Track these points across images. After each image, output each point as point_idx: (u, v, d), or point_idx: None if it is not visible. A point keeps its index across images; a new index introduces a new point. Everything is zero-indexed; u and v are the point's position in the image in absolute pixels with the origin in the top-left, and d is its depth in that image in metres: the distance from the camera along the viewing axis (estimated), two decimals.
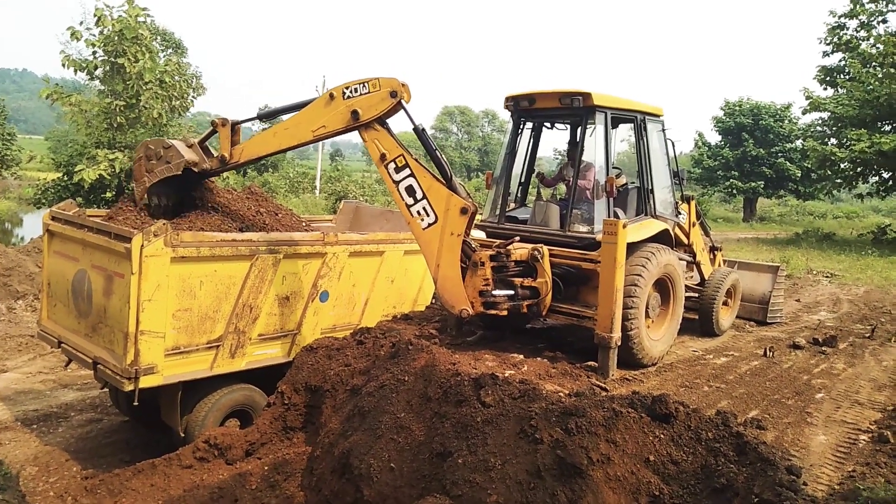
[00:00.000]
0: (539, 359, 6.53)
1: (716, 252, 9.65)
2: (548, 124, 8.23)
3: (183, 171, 5.85)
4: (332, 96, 5.61)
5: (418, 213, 5.64)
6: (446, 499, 3.71)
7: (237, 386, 5.80)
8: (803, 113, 31.36)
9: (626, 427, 3.82)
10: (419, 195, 5.62)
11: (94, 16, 14.44)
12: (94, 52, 14.87)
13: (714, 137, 42.74)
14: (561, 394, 4.64)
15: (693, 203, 8.71)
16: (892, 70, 24.65)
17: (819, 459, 5.01)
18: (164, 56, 22.18)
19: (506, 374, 4.66)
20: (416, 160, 5.68)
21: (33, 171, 35.38)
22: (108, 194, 15.11)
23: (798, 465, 4.12)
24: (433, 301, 7.42)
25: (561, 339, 7.84)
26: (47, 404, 7.05)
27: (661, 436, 3.84)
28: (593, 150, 7.22)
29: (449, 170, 5.73)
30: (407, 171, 5.62)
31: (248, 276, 5.60)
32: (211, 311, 5.43)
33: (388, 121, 5.70)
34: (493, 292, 6.10)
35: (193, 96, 17.23)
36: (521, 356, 6.32)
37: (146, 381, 5.04)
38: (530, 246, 6.61)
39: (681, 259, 8.00)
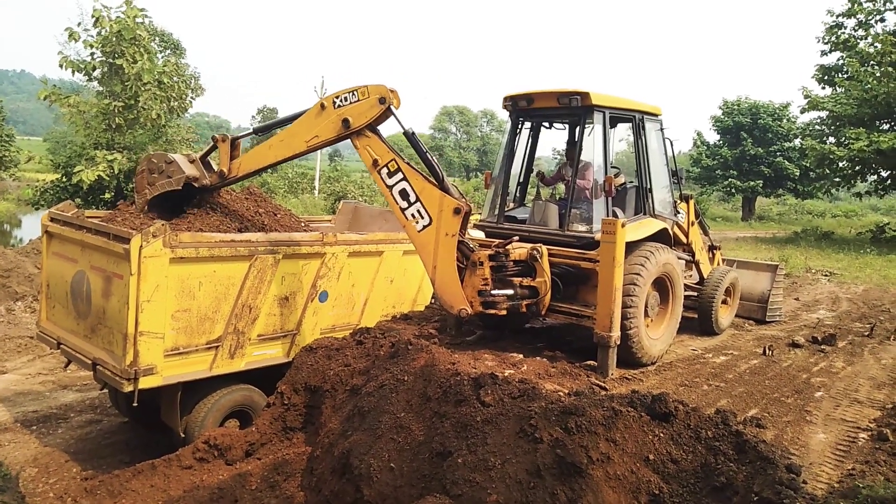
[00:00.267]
0: (538, 358, 6.53)
1: (714, 251, 9.66)
2: (546, 124, 8.23)
3: (183, 186, 5.93)
4: (322, 106, 5.73)
5: (413, 216, 5.69)
6: (446, 498, 3.71)
7: (236, 386, 5.80)
8: (802, 112, 31.37)
9: (626, 426, 3.83)
10: (412, 198, 5.67)
11: (92, 17, 14.44)
12: (93, 54, 14.87)
13: (712, 137, 42.81)
14: (560, 393, 4.65)
15: (692, 202, 8.71)
16: (889, 69, 24.67)
17: (818, 458, 5.01)
18: (162, 57, 22.15)
19: (505, 374, 4.66)
20: (407, 164, 5.74)
21: (32, 172, 35.39)
22: (107, 195, 15.12)
23: (797, 463, 4.13)
24: (432, 301, 7.43)
25: (560, 338, 7.84)
26: (47, 405, 7.05)
27: (661, 434, 3.84)
28: (592, 150, 7.22)
29: (440, 171, 5.79)
30: (399, 176, 5.68)
31: (247, 276, 5.60)
32: (210, 312, 5.43)
33: (379, 127, 5.78)
34: (492, 292, 6.11)
35: (192, 97, 17.21)
36: (521, 356, 6.32)
37: (145, 382, 5.04)
38: (529, 245, 6.61)
39: (680, 258, 8.00)
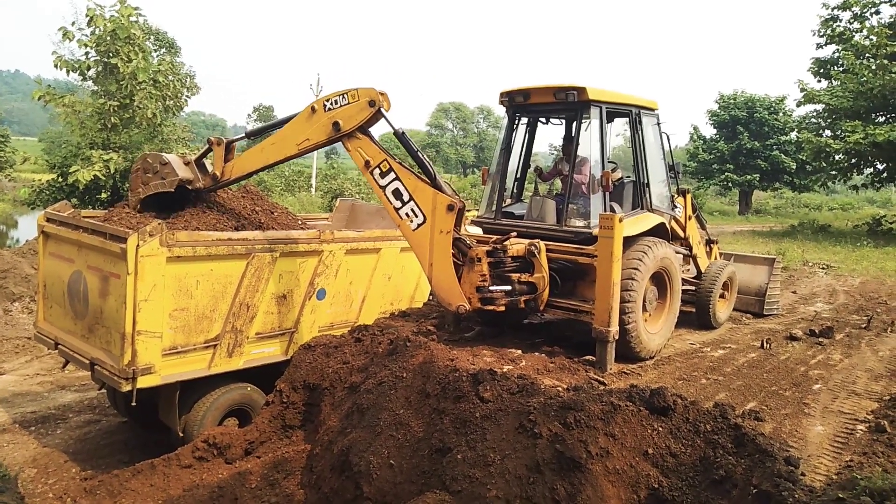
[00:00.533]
0: (537, 354, 6.53)
1: (712, 245, 9.67)
2: (543, 119, 8.21)
3: (176, 188, 5.94)
4: (313, 109, 5.76)
5: (407, 215, 5.72)
6: (446, 494, 3.72)
7: (235, 385, 5.80)
8: (798, 105, 31.42)
9: (625, 420, 3.83)
10: (406, 197, 5.70)
11: (86, 16, 14.35)
12: (87, 53, 14.79)
13: (709, 131, 42.88)
14: (559, 388, 4.65)
15: (689, 196, 8.71)
16: (885, 62, 24.70)
17: (817, 450, 5.03)
18: (157, 56, 22.08)
19: (504, 370, 4.67)
20: (399, 163, 5.77)
21: (27, 172, 35.23)
22: (103, 195, 15.05)
23: (796, 455, 4.13)
24: (430, 297, 7.43)
25: (559, 333, 7.84)
26: (45, 406, 7.04)
27: (660, 429, 3.85)
28: (588, 145, 7.22)
29: (432, 169, 5.83)
30: (392, 176, 5.71)
31: (245, 274, 5.60)
32: (208, 311, 5.42)
33: (370, 128, 5.81)
34: (491, 288, 6.11)
35: (187, 96, 17.16)
36: (519, 351, 6.32)
37: (144, 382, 5.04)
38: (527, 241, 6.61)
39: (677, 252, 8.00)
